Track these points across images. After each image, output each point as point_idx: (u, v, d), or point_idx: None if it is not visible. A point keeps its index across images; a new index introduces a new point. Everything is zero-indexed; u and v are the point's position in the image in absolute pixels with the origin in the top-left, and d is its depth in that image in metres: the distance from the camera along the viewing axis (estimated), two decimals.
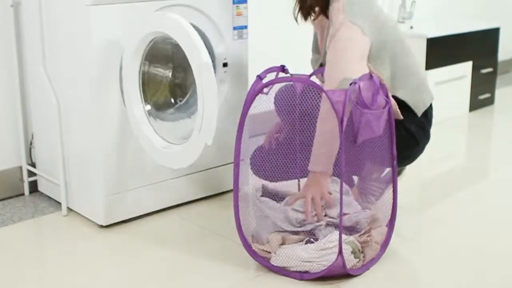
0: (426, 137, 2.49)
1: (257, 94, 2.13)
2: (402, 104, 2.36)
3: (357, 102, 2.10)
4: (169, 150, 2.38)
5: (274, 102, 2.28)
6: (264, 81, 2.20)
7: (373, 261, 2.19)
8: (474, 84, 4.32)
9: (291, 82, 2.22)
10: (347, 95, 2.01)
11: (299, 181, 2.42)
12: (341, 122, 1.99)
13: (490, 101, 4.54)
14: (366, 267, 2.15)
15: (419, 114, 2.40)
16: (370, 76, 2.15)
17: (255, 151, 2.34)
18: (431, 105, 2.51)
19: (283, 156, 2.28)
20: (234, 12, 2.71)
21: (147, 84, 2.56)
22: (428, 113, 2.48)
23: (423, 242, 2.41)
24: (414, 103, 2.38)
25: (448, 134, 3.86)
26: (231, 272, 2.17)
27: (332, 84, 2.16)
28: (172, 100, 2.64)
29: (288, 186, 2.38)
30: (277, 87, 2.26)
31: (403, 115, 2.35)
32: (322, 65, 2.46)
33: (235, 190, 2.16)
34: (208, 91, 2.19)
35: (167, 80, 2.66)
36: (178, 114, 2.62)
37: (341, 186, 2.04)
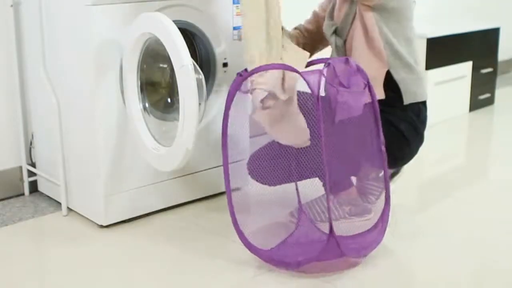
0: (418, 137, 2.47)
1: (238, 88, 2.14)
2: (392, 91, 2.37)
3: (332, 81, 2.10)
4: (157, 152, 2.38)
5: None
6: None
7: (371, 247, 2.18)
8: (474, 84, 4.32)
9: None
10: (322, 73, 2.02)
11: (296, 184, 2.42)
12: (317, 99, 2.00)
13: (490, 101, 4.54)
14: (363, 252, 2.15)
15: (405, 102, 2.38)
16: (346, 60, 2.16)
17: (252, 156, 2.34)
18: (425, 105, 2.49)
19: (280, 161, 2.28)
20: (234, 12, 2.71)
21: (146, 84, 2.55)
22: (421, 114, 2.46)
23: (423, 242, 2.41)
24: (405, 89, 2.38)
25: (448, 134, 3.86)
26: (231, 272, 2.17)
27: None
28: (169, 100, 2.64)
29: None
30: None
31: (392, 107, 2.35)
32: (336, 31, 2.48)
33: (227, 186, 2.15)
34: (188, 94, 2.19)
35: (165, 80, 2.66)
36: (174, 115, 2.62)
37: (325, 173, 2.04)
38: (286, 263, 2.12)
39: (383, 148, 2.23)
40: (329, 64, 2.09)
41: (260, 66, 2.17)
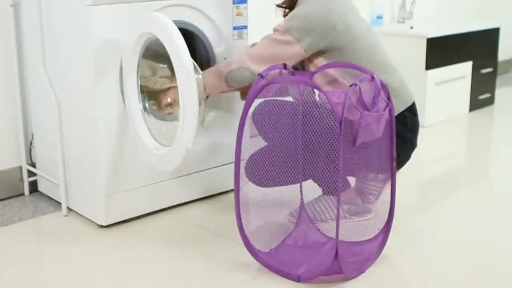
0: (407, 146, 2.47)
1: (258, 93, 2.13)
2: None
3: (357, 104, 2.09)
4: (157, 152, 2.38)
5: (253, 118, 2.29)
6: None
7: (369, 262, 2.19)
8: (474, 84, 4.32)
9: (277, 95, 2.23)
10: (347, 96, 2.00)
11: (301, 184, 2.42)
12: (340, 123, 1.99)
13: (490, 101, 4.54)
14: (361, 269, 2.15)
15: None
16: (372, 77, 2.14)
17: (250, 157, 2.34)
18: (411, 110, 2.47)
19: (280, 161, 2.27)
20: (234, 12, 2.71)
21: (146, 83, 2.55)
22: (407, 122, 2.45)
23: (423, 242, 2.41)
24: None
25: (448, 134, 3.86)
26: (231, 272, 2.17)
27: (234, 61, 2.40)
28: (169, 100, 2.64)
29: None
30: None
31: None
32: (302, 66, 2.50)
33: (236, 189, 2.16)
34: (188, 94, 2.19)
35: (165, 80, 2.65)
36: (174, 115, 2.62)
37: (339, 189, 2.04)
38: (286, 273, 2.12)
39: (394, 164, 2.23)
40: (355, 84, 2.07)
41: (280, 78, 2.18)
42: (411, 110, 2.48)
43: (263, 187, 2.35)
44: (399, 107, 2.42)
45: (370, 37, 2.44)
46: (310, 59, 2.40)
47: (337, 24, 2.34)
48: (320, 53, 2.38)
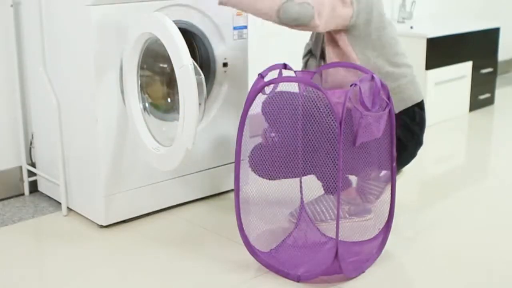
0: (416, 141, 2.48)
1: (258, 93, 2.13)
2: None
3: (358, 104, 2.09)
4: (157, 152, 2.39)
5: (262, 109, 2.29)
6: (266, 79, 2.19)
7: (369, 262, 2.19)
8: (474, 84, 4.32)
9: (281, 88, 2.23)
10: (347, 96, 2.00)
11: (301, 184, 2.42)
12: (340, 123, 1.98)
13: (490, 101, 4.54)
14: (361, 269, 2.15)
15: (396, 110, 2.39)
16: (372, 77, 2.14)
17: (254, 148, 2.34)
18: (420, 106, 2.49)
19: (282, 154, 2.27)
20: (234, 12, 2.71)
21: (146, 83, 2.55)
22: (416, 116, 2.46)
23: (422, 242, 2.41)
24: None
25: (448, 134, 3.86)
26: (231, 272, 2.17)
27: None
28: (169, 100, 2.64)
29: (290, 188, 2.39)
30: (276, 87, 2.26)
31: None
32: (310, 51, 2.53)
33: (236, 189, 2.16)
34: (188, 94, 2.19)
35: (165, 80, 2.66)
36: (174, 115, 2.62)
37: (339, 189, 2.04)
38: (286, 273, 2.12)
39: (394, 164, 2.23)
40: (355, 84, 2.07)
41: (279, 78, 2.18)
42: (421, 106, 2.51)
43: (269, 179, 2.35)
44: (408, 102, 2.45)
45: (392, 30, 2.49)
46: (334, 39, 2.42)
47: (376, 5, 2.42)
48: (349, 32, 2.39)
